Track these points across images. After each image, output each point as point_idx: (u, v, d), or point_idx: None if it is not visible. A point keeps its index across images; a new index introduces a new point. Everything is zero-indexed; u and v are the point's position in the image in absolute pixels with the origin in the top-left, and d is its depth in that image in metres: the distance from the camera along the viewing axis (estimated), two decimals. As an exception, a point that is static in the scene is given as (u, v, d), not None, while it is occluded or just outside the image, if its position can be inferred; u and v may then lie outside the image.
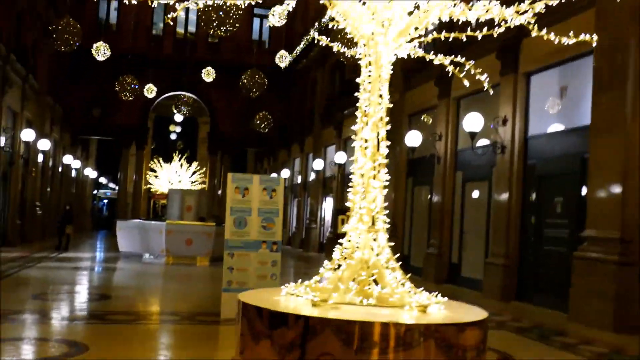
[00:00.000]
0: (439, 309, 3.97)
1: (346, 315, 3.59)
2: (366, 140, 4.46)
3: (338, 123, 25.81)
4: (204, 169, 41.27)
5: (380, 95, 4.46)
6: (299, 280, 4.44)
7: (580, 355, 7.52)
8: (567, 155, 11.85)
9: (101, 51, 20.94)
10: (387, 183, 4.39)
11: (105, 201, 54.81)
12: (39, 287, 12.06)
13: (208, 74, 27.44)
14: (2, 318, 8.21)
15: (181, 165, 38.53)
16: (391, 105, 4.52)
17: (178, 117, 41.83)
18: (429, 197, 17.67)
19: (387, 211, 4.41)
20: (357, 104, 4.57)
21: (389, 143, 4.41)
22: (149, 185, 39.52)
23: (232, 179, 8.96)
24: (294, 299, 4.08)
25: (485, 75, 5.42)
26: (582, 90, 12.14)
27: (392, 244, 4.38)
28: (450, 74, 5.27)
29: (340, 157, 23.15)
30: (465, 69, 4.98)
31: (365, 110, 4.48)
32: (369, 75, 4.42)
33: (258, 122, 30.32)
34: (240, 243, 8.89)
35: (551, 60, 12.63)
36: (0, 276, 12.82)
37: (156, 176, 38.36)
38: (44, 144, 23.64)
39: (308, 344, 3.48)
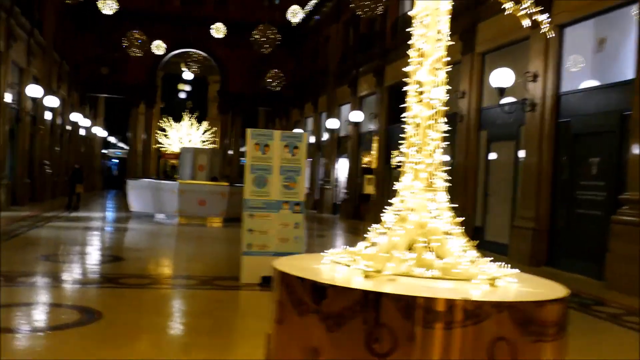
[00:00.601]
0: (510, 282, 3.39)
1: (407, 289, 3.03)
2: (421, 84, 3.81)
3: (353, 81, 25.02)
4: (215, 128, 40.65)
5: (439, 31, 3.78)
6: (342, 247, 3.86)
7: (631, 328, 6.97)
8: (605, 113, 11.14)
9: (108, 4, 20.17)
10: (447, 134, 3.77)
11: (115, 160, 54.40)
12: (49, 247, 11.60)
13: (218, 31, 26.63)
14: (10, 281, 7.74)
15: (191, 124, 37.90)
16: (452, 43, 3.85)
17: (187, 76, 40.99)
18: (450, 157, 17.03)
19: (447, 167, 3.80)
20: (410, 41, 3.91)
21: (448, 87, 3.77)
22: (158, 145, 38.97)
23: (251, 135, 8.35)
24: (341, 268, 3.51)
25: (547, 15, 4.70)
26: (622, 43, 11.38)
27: (456, 205, 3.79)
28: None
29: (355, 116, 22.43)
30: (523, 7, 4.27)
31: (420, 49, 3.81)
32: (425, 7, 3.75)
33: (269, 80, 29.51)
34: (260, 203, 8.33)
35: (587, 10, 11.85)
36: (7, 236, 12.37)
37: (166, 135, 37.77)
38: (52, 101, 23.02)
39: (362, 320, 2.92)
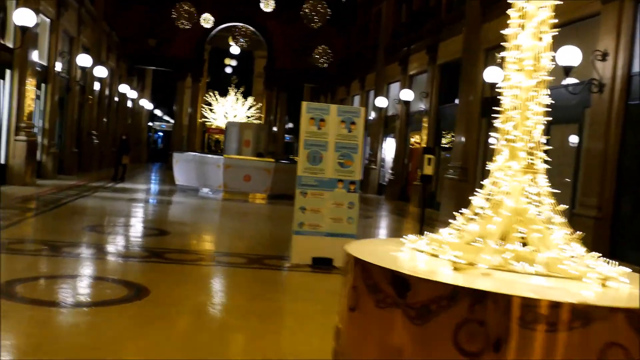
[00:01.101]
0: (622, 283, 2.91)
1: (506, 285, 2.58)
2: (521, 50, 3.31)
3: (404, 58, 24.32)
4: (260, 104, 40.41)
5: (545, -10, 3.27)
6: (423, 233, 3.42)
7: None
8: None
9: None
10: (547, 109, 3.28)
11: (160, 133, 54.79)
12: (94, 218, 11.45)
13: (267, 4, 26.17)
14: (55, 251, 7.55)
15: (237, 99, 37.72)
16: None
17: (234, 50, 40.72)
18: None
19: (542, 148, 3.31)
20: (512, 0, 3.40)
21: (553, 54, 3.26)
22: (204, 119, 38.94)
23: (306, 109, 7.93)
24: (423, 257, 3.08)
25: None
26: None
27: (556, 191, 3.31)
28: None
29: (406, 95, 21.79)
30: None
31: (523, 8, 3.31)
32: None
33: (317, 56, 29.00)
34: (314, 181, 7.93)
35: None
36: (53, 205, 12.30)
37: (212, 109, 37.70)
38: (101, 71, 22.99)
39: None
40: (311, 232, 7.93)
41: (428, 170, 7.66)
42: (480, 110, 17.82)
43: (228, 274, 7.28)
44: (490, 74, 14.97)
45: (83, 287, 6.07)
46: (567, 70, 12.45)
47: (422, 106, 21.91)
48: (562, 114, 13.91)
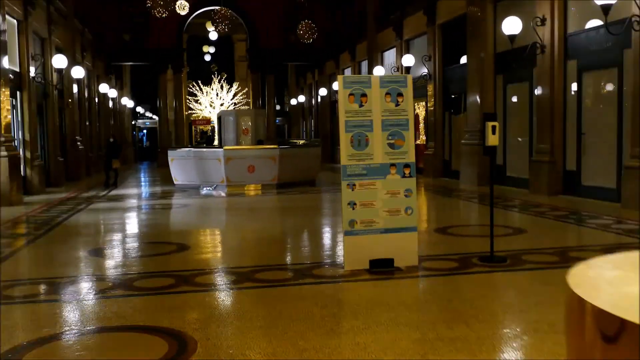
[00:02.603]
0: None
1: None
2: None
3: (398, 23, 22.85)
4: (246, 89, 38.85)
5: None
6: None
7: None
8: None
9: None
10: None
11: (145, 131, 53.04)
12: (96, 238, 10.04)
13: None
14: (55, 293, 6.17)
15: (222, 87, 36.10)
16: None
17: (212, 36, 39.00)
18: (529, 94, 15.04)
19: None
20: None
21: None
22: (190, 111, 37.32)
23: (343, 83, 6.53)
24: None
25: None
26: None
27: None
28: None
29: (407, 60, 20.36)
30: None
31: None
32: None
33: (302, 32, 27.49)
34: (361, 169, 6.57)
35: None
36: (47, 226, 10.87)
37: (197, 100, 36.07)
38: (78, 72, 21.36)
39: None
40: (365, 230, 6.59)
41: (493, 140, 6.33)
42: (495, 67, 16.49)
43: (281, 298, 5.73)
44: (509, 26, 13.58)
45: (101, 348, 4.64)
46: (606, 10, 11.11)
47: (424, 71, 20.54)
48: (596, 60, 12.60)
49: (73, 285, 6.41)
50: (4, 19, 14.75)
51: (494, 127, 6.69)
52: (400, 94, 6.60)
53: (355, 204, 6.57)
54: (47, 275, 6.95)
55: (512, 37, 13.71)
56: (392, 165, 6.61)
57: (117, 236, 10.10)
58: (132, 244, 9.18)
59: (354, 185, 6.56)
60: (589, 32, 12.76)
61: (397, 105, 6.60)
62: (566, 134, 13.60)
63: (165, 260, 7.66)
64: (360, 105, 6.52)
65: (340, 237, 7.58)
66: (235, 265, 7.21)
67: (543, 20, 13.64)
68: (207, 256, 8.00)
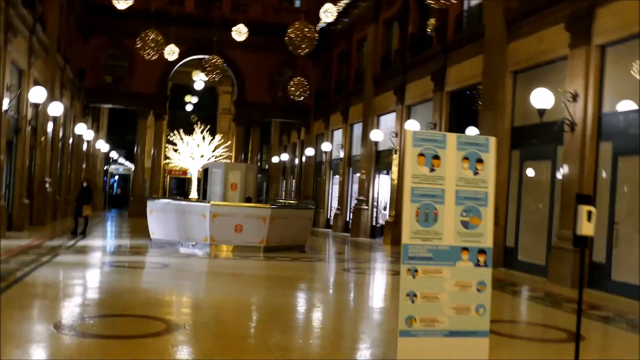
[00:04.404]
0: None
1: None
2: None
3: (400, 87, 21.88)
4: (229, 142, 37.50)
5: None
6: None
7: None
8: None
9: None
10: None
11: (116, 177, 51.02)
12: (62, 304, 8.25)
13: (239, 33, 23.54)
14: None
15: (203, 138, 34.66)
16: None
17: (198, 85, 37.90)
18: (550, 174, 13.88)
19: None
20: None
21: None
22: (167, 160, 35.67)
23: (413, 139, 5.14)
24: None
25: None
26: None
27: None
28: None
29: (410, 126, 19.24)
30: None
31: None
32: None
33: (293, 89, 26.39)
34: (426, 251, 5.11)
35: None
36: (4, 282, 9.08)
37: (176, 150, 34.51)
38: (56, 108, 19.76)
39: None
40: (425, 331, 5.09)
41: (588, 228, 4.92)
42: (511, 141, 15.37)
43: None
44: (539, 99, 12.52)
45: None
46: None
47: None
48: (633, 142, 11.54)
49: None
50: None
51: (589, 213, 5.32)
52: (480, 160, 5.23)
53: (415, 295, 5.07)
54: (-1, 359, 5.24)
55: (541, 112, 12.64)
56: (465, 249, 5.17)
57: (88, 304, 8.34)
58: (107, 317, 7.41)
59: (416, 270, 5.08)
60: (628, 114, 11.69)
61: (475, 173, 5.22)
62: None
63: (153, 347, 5.97)
64: (431, 170, 5.12)
65: (365, 327, 6.02)
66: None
67: (575, 96, 12.58)
68: (206, 344, 6.27)
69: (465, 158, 5.20)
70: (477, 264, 5.21)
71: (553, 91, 12.82)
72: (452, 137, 5.23)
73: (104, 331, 6.57)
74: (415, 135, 5.13)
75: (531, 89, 13.62)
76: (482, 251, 5.22)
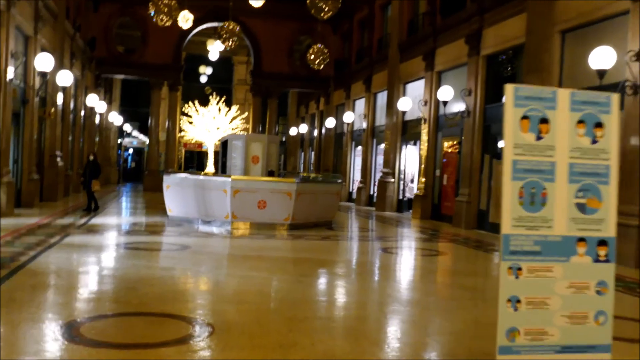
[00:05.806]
0: None
1: None
2: None
3: (429, 52, 20.49)
4: (245, 113, 36.30)
5: None
6: None
7: None
8: None
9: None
10: None
11: (130, 151, 50.09)
12: (71, 298, 7.11)
13: (256, -3, 22.17)
14: None
15: (219, 109, 33.44)
16: None
17: (213, 55, 36.50)
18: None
19: None
20: None
21: None
22: (182, 133, 34.56)
23: (514, 98, 3.91)
24: None
25: None
26: None
27: None
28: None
29: (444, 94, 17.91)
30: None
31: None
32: None
33: (312, 57, 24.97)
34: (532, 243, 3.91)
35: None
36: (6, 269, 8.02)
37: (191, 122, 33.34)
38: (65, 78, 18.62)
39: None
40: (531, 347, 3.91)
41: None
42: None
43: None
44: (599, 58, 11.17)
45: None
46: None
47: (458, 107, 18.11)
48: None
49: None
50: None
51: None
52: (599, 124, 3.99)
53: (519, 300, 3.89)
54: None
55: (602, 73, 11.29)
56: (581, 240, 3.97)
57: (100, 297, 7.24)
58: (123, 316, 6.25)
59: (520, 269, 3.88)
60: None
61: (594, 142, 3.98)
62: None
63: (182, 355, 4.85)
64: (538, 137, 3.90)
65: (433, 326, 4.85)
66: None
67: (639, 55, 11.21)
68: (248, 351, 5.12)
69: (581, 122, 3.97)
70: (597, 259, 4.01)
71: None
72: (564, 95, 3.99)
73: (117, 337, 5.43)
74: (518, 92, 3.89)
75: (582, 49, 12.27)
76: (602, 242, 4.01)
